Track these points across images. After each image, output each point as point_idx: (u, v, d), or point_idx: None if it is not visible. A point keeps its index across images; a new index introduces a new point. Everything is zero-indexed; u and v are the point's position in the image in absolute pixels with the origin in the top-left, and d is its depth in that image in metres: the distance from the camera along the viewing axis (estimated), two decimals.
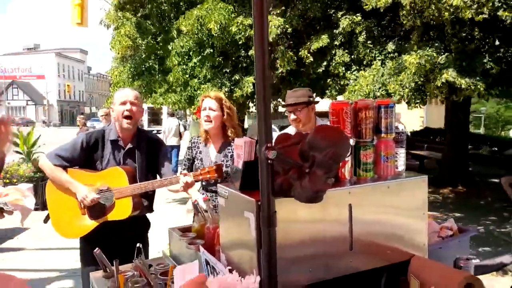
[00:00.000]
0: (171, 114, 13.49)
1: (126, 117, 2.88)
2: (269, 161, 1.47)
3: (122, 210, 2.78)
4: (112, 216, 2.80)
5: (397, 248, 1.88)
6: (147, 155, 3.00)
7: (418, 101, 6.79)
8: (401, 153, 1.96)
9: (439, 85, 5.98)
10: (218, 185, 1.87)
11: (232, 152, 3.17)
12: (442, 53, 6.19)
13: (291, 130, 3.45)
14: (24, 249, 6.15)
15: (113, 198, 2.78)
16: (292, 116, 3.35)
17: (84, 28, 12.97)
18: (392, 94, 6.54)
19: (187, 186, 2.76)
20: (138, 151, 2.96)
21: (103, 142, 2.94)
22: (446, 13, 5.78)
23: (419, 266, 1.88)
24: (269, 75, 1.49)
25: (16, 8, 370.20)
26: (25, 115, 70.05)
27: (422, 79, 6.29)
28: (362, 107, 1.81)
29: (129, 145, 2.96)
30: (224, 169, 3.11)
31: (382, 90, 6.71)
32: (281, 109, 13.20)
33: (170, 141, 12.51)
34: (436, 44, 6.40)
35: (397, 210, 1.87)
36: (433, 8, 5.85)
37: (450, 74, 5.87)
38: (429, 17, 6.03)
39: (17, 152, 9.14)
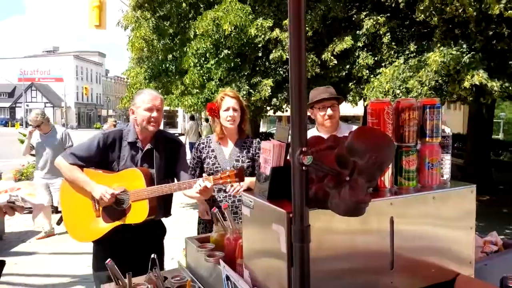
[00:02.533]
0: (192, 118, 16.51)
1: (151, 122, 2.77)
2: (303, 167, 1.28)
3: (138, 214, 2.65)
4: (127, 219, 2.67)
5: (442, 267, 1.68)
6: (165, 156, 2.88)
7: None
8: (447, 159, 1.75)
9: (467, 86, 5.63)
10: (242, 193, 1.68)
11: (248, 148, 3.16)
12: (467, 52, 5.84)
13: (311, 133, 3.24)
14: (36, 253, 6.02)
15: (129, 200, 2.66)
16: (329, 112, 3.11)
17: (102, 30, 13.02)
18: (410, 90, 6.25)
19: (204, 191, 2.60)
20: (157, 152, 2.85)
21: (120, 143, 2.83)
22: (471, 9, 5.44)
23: (465, 287, 1.67)
24: (305, 69, 1.30)
25: (35, 11, 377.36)
26: None
27: (444, 79, 5.98)
28: (405, 107, 1.61)
29: (148, 146, 2.84)
30: (240, 164, 3.09)
31: (402, 88, 6.42)
32: None
33: (191, 139, 15.81)
34: (461, 42, 6.04)
35: (442, 223, 1.67)
36: (456, 4, 5.53)
37: (481, 76, 5.50)
38: (452, 13, 5.70)
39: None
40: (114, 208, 2.69)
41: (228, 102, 3.08)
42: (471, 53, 5.73)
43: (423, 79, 6.02)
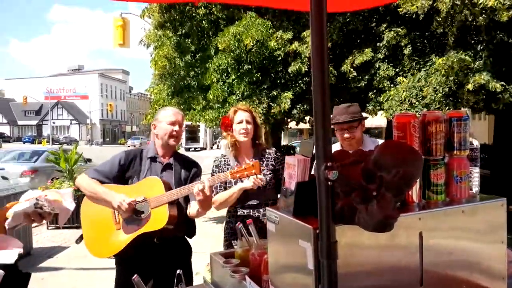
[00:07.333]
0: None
1: (173, 136, 2.88)
2: (329, 182, 1.28)
3: (158, 220, 2.67)
4: (147, 227, 2.68)
5: (472, 282, 1.63)
6: (183, 172, 2.95)
7: (449, 107, 6.44)
8: (475, 172, 1.71)
9: (470, 89, 5.64)
10: (267, 208, 1.68)
11: (266, 160, 3.13)
12: (479, 58, 5.85)
13: (335, 148, 3.22)
14: (63, 268, 6.11)
15: (149, 208, 2.69)
16: (346, 135, 3.13)
17: (126, 48, 13.31)
18: (425, 97, 6.27)
19: (203, 196, 2.60)
20: (176, 166, 2.93)
21: (141, 159, 2.93)
22: (481, 18, 5.46)
23: None
24: (328, 85, 1.31)
25: (60, 30, 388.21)
26: (69, 134, 72.52)
27: (455, 84, 5.98)
28: (431, 119, 1.58)
29: (167, 161, 2.93)
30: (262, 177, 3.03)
31: (419, 97, 6.44)
32: None
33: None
34: (473, 48, 6.06)
35: (472, 238, 1.62)
36: (467, 12, 5.54)
37: (482, 77, 5.52)
38: (462, 21, 5.72)
39: (59, 170, 9.26)
40: (135, 217, 2.70)
41: (241, 115, 3.11)
42: (483, 58, 5.76)
43: (435, 84, 6.06)
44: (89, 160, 15.00)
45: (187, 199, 2.87)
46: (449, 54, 5.97)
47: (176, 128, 2.89)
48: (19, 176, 11.93)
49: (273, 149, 3.25)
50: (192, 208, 2.84)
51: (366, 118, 3.26)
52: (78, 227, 7.92)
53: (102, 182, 2.81)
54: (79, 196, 8.11)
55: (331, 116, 3.22)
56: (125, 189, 2.78)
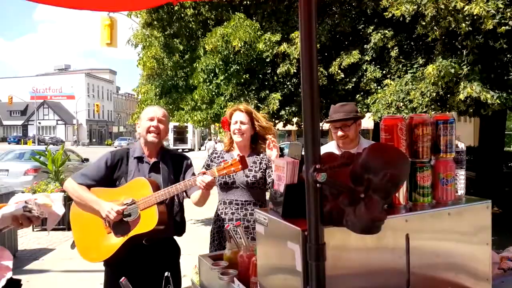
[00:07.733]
0: (209, 139, 21.24)
1: (152, 132, 2.85)
2: (317, 184, 1.29)
3: (147, 222, 2.65)
4: (138, 229, 2.66)
5: (458, 284, 1.65)
6: (172, 169, 2.93)
7: (436, 111, 6.52)
8: (461, 175, 1.74)
9: (462, 98, 5.71)
10: (256, 210, 1.68)
11: (261, 160, 3.15)
12: (466, 64, 5.91)
13: (330, 147, 3.24)
14: (49, 271, 6.04)
15: (138, 210, 2.66)
16: (340, 133, 3.14)
17: (114, 48, 13.20)
18: (412, 101, 6.33)
19: (208, 186, 2.64)
20: (163, 165, 2.90)
21: (127, 159, 2.90)
22: (463, 25, 5.53)
23: None
24: (317, 87, 1.31)
25: (46, 29, 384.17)
26: (55, 134, 71.70)
27: (443, 91, 6.06)
28: (418, 122, 1.60)
29: (154, 160, 2.90)
30: (253, 173, 3.08)
31: (406, 101, 6.49)
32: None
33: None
34: (460, 54, 6.13)
35: (458, 240, 1.65)
36: (451, 19, 5.61)
37: (474, 89, 5.55)
38: (446, 27, 5.81)
39: (45, 172, 9.16)
40: (124, 221, 2.68)
41: (236, 116, 3.15)
42: (470, 65, 5.81)
43: (423, 90, 6.12)
44: (86, 160, 15.60)
45: (178, 196, 2.87)
46: (438, 60, 5.99)
47: (154, 123, 2.84)
48: (23, 174, 12.65)
49: None
50: (194, 196, 2.83)
51: (362, 117, 3.26)
52: (64, 229, 7.89)
53: (90, 186, 2.79)
54: (65, 198, 8.06)
55: (329, 113, 3.25)
56: (113, 192, 2.76)
